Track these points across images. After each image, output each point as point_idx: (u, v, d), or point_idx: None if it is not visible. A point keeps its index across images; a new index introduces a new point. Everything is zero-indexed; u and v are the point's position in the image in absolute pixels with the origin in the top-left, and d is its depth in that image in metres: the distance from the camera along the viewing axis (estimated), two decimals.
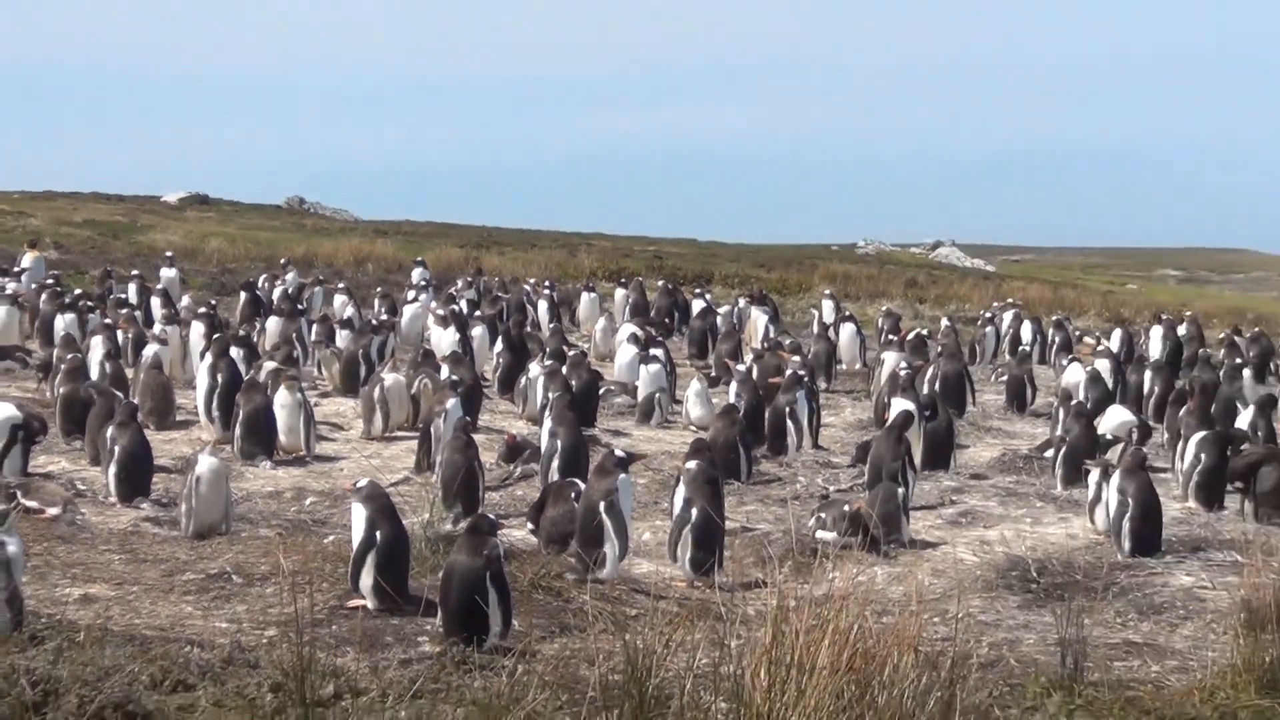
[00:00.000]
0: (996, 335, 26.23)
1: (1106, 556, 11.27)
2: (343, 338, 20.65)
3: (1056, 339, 24.96)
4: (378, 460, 14.39)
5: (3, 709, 6.14)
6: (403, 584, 9.03)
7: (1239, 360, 21.01)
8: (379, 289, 28.53)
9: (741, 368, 18.18)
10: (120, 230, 40.81)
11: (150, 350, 17.64)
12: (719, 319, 25.46)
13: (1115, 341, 24.04)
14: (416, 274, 30.73)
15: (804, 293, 37.72)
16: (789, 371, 16.91)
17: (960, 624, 7.93)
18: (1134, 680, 7.85)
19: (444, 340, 20.49)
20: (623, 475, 10.39)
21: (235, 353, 16.64)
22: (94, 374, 16.11)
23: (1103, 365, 19.56)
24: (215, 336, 17.53)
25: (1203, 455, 13.52)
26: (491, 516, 8.96)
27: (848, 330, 23.74)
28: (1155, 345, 24.27)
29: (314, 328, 21.28)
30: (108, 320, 20.03)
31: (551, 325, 24.72)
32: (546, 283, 29.46)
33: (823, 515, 11.69)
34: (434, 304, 24.47)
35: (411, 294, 26.47)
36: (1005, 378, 20.72)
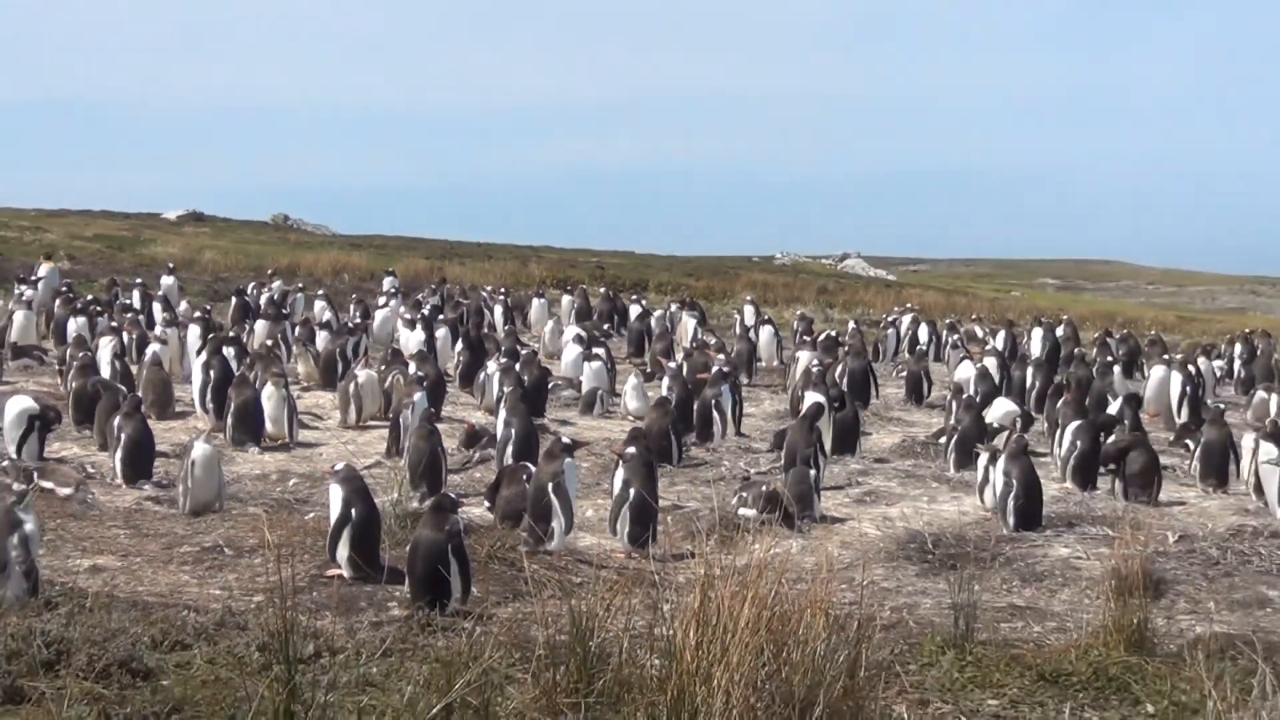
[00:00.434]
0: (897, 336, 26.42)
1: (994, 531, 11.30)
2: (322, 338, 20.62)
3: (949, 339, 25.10)
4: (353, 446, 14.33)
5: (20, 666, 6.13)
6: (374, 555, 8.98)
7: (1110, 358, 21.23)
8: (354, 295, 28.61)
9: (673, 365, 18.26)
10: (125, 243, 40.34)
11: (152, 349, 17.63)
12: (653, 322, 25.53)
13: (1000, 341, 24.13)
14: (387, 282, 30.63)
15: (728, 299, 37.77)
16: (715, 368, 16.93)
17: (865, 590, 7.94)
18: (1018, 639, 7.88)
19: (411, 340, 20.47)
20: (568, 459, 10.38)
21: (227, 351, 16.67)
22: (105, 371, 16.05)
23: (990, 363, 19.65)
24: (209, 337, 17.51)
25: (1078, 441, 13.60)
26: (453, 496, 8.91)
27: (766, 332, 23.81)
28: (1036, 345, 24.41)
29: (296, 329, 21.25)
30: (114, 323, 19.94)
31: (506, 327, 24.75)
32: (501, 290, 29.50)
33: (744, 495, 11.70)
34: (402, 309, 24.46)
35: (383, 300, 26.46)
36: (905, 373, 20.82)
